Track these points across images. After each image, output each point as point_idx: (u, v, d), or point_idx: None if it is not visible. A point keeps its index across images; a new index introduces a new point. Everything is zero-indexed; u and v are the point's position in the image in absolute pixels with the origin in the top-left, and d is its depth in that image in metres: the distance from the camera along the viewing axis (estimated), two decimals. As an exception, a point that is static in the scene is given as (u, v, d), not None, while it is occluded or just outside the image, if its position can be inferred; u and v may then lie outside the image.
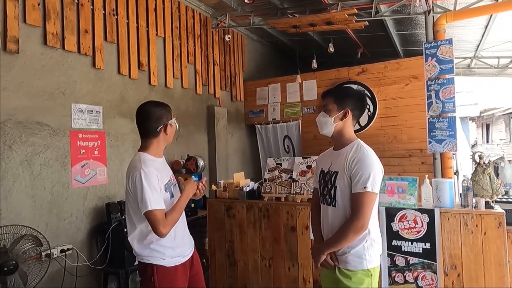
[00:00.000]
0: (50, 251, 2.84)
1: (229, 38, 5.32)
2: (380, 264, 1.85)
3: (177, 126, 1.96)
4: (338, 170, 1.79)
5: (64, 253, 2.98)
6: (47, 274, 2.72)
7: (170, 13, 4.37)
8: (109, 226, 3.20)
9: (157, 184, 1.75)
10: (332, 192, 1.81)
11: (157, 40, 4.18)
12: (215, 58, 5.22)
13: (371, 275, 1.73)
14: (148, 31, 4.02)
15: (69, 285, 3.04)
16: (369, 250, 1.73)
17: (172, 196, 1.89)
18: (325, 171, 1.89)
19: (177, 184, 2.00)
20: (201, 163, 4.33)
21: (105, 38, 3.51)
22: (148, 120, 1.86)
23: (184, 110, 4.60)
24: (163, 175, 1.85)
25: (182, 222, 1.94)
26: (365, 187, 1.66)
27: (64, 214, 3.09)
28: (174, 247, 1.85)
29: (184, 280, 1.89)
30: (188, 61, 4.66)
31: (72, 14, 3.18)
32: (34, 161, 2.89)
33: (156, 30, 4.14)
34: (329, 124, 1.84)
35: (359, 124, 4.91)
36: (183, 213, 1.94)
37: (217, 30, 5.23)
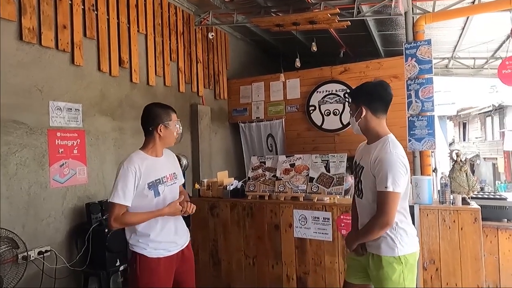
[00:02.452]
0: (27, 254, 2.76)
1: (212, 35, 5.29)
2: (417, 255, 1.85)
3: (179, 129, 2.01)
4: (364, 165, 1.83)
5: (42, 255, 2.90)
6: (24, 277, 2.64)
7: (152, 9, 4.30)
8: (90, 226, 3.13)
9: (131, 181, 1.83)
10: (359, 185, 1.87)
11: (139, 37, 4.11)
12: (198, 56, 5.17)
13: (403, 263, 1.74)
14: (129, 28, 3.94)
15: (48, 287, 2.95)
16: (399, 239, 1.75)
17: (157, 195, 1.92)
18: (357, 163, 1.93)
19: (175, 184, 2.04)
20: (184, 162, 4.29)
21: (85, 34, 3.42)
22: (144, 119, 1.99)
23: (167, 108, 4.52)
24: (152, 173, 1.90)
25: (173, 220, 1.99)
26: (386, 187, 1.67)
27: (42, 215, 3.00)
28: (160, 241, 1.92)
29: (168, 273, 1.94)
30: (170, 59, 4.60)
31: (50, 9, 3.08)
32: (9, 160, 2.79)
33: (138, 27, 4.07)
34: (354, 124, 1.89)
35: (342, 123, 4.99)
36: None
37: (200, 27, 5.18)
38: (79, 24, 3.36)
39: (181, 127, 2.05)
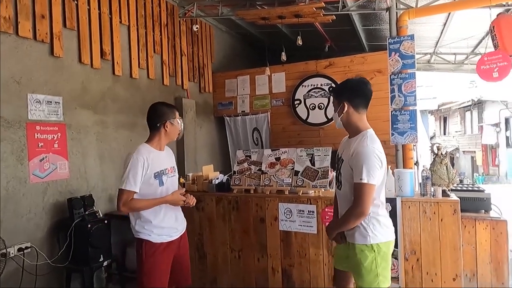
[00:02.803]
0: (6, 250, 2.69)
1: (197, 28, 5.21)
2: (392, 245, 1.95)
3: (181, 126, 2.24)
4: (344, 158, 1.94)
5: (22, 252, 2.83)
6: (3, 274, 2.58)
7: (135, 0, 4.20)
8: (72, 222, 3.06)
9: (140, 171, 2.04)
10: (339, 177, 1.98)
11: (121, 28, 4.01)
12: (183, 49, 5.10)
13: (375, 251, 1.84)
14: (111, 19, 3.84)
15: (29, 284, 2.89)
16: (372, 228, 1.86)
17: (161, 184, 2.14)
18: (339, 156, 2.03)
19: (175, 177, 2.27)
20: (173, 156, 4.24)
21: (64, 25, 3.32)
22: (151, 115, 2.20)
23: (151, 101, 4.35)
24: (157, 164, 2.13)
25: (174, 208, 2.22)
26: (361, 179, 1.77)
27: (21, 211, 2.92)
28: (163, 227, 2.14)
29: (169, 257, 2.17)
30: (154, 51, 4.52)
31: (27, -2, 2.96)
32: (-14, 155, 2.69)
33: (120, 18, 3.97)
34: (336, 119, 2.00)
35: (326, 117, 5.03)
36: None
37: (184, 19, 5.10)
38: (59, 14, 3.25)
39: (182, 124, 2.27)
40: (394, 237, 1.95)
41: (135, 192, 2.05)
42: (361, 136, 1.89)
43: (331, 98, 2.05)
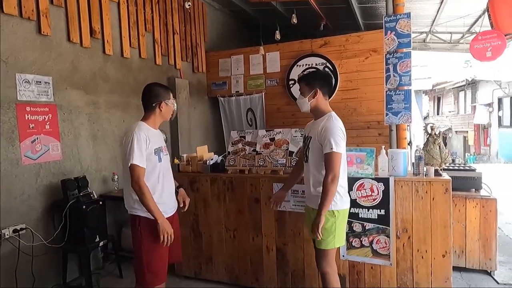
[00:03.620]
0: (1, 232, 2.70)
1: (189, 5, 5.07)
2: (348, 211, 2.34)
3: (174, 107, 2.30)
4: (312, 136, 2.26)
5: (17, 233, 2.83)
6: (-1, 256, 2.58)
7: (124, -25, 4.05)
8: (66, 203, 3.06)
9: (144, 146, 2.08)
10: (307, 152, 2.31)
11: (111, 6, 3.89)
12: (175, 27, 4.97)
13: (335, 216, 2.20)
14: (100, -5, 3.72)
15: (25, 265, 2.91)
16: (334, 196, 2.17)
17: (160, 161, 2.20)
18: (306, 136, 2.36)
19: (167, 156, 2.31)
20: (164, 137, 4.21)
21: (51, 1, 3.20)
22: (147, 96, 2.23)
23: (143, 81, 4.35)
24: (155, 141, 2.18)
25: (170, 185, 2.31)
26: (331, 148, 2.10)
27: (15, 193, 2.91)
28: (163, 202, 2.17)
29: None
30: (145, 29, 4.41)
31: (10, -28, 2.84)
32: (-24, 136, 2.65)
33: (109, -6, 3.84)
34: (305, 103, 2.28)
35: (321, 97, 5.00)
36: (172, 176, 2.34)
37: (176, -4, 4.95)
38: (45, -10, 3.13)
39: (176, 105, 2.31)
40: (349, 205, 2.32)
41: (144, 168, 2.07)
42: (327, 117, 2.23)
43: (300, 85, 2.33)
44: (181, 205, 2.46)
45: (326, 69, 4.93)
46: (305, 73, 2.47)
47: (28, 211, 3.01)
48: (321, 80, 2.30)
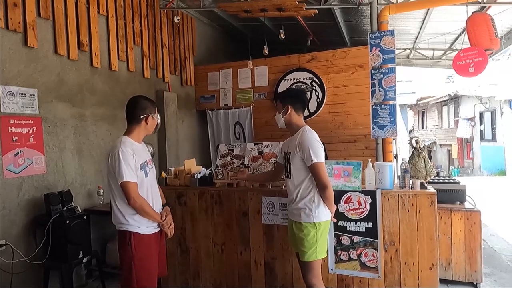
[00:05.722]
0: (-20, 249, 2.60)
1: (178, 20, 5.12)
2: (329, 224, 2.37)
3: (158, 121, 2.28)
4: (291, 151, 2.34)
5: (-3, 250, 2.74)
6: (-24, 274, 2.48)
7: (113, -11, 4.08)
8: (49, 218, 2.98)
9: (132, 162, 2.06)
10: (288, 167, 2.37)
11: (99, 19, 3.89)
12: (164, 41, 5.00)
13: (316, 227, 2.27)
14: (88, 8, 3.72)
15: (5, 283, 2.80)
16: (314, 209, 2.27)
17: (146, 176, 2.17)
18: (285, 152, 2.44)
19: (153, 169, 2.28)
20: (150, 150, 4.17)
21: (39, 14, 3.19)
22: (134, 108, 2.19)
23: (131, 94, 4.27)
24: (139, 157, 2.15)
25: (157, 196, 2.28)
26: (312, 160, 2.20)
27: (-5, 208, 2.82)
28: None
29: (156, 247, 2.21)
30: (134, 43, 4.41)
31: (-2, -15, 2.83)
32: (-44, 149, 2.57)
33: (98, 8, 3.85)
34: (280, 119, 2.43)
35: (309, 111, 5.06)
36: (159, 190, 2.35)
37: (165, 10, 4.99)
38: (32, 2, 3.12)
39: (159, 119, 2.30)
40: (330, 216, 2.35)
41: (136, 183, 2.06)
42: (302, 130, 2.34)
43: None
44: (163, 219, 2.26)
45: (314, 83, 5.01)
46: (279, 92, 2.57)
47: (9, 226, 2.91)
48: (292, 98, 2.44)
